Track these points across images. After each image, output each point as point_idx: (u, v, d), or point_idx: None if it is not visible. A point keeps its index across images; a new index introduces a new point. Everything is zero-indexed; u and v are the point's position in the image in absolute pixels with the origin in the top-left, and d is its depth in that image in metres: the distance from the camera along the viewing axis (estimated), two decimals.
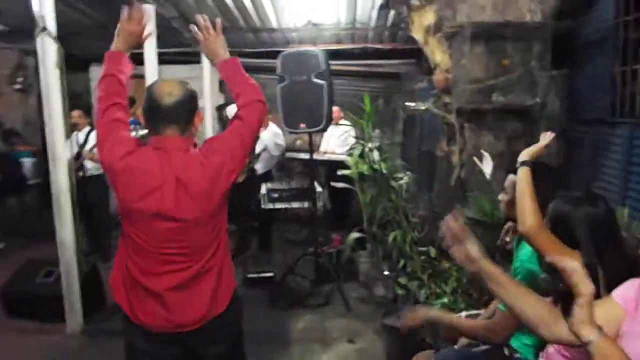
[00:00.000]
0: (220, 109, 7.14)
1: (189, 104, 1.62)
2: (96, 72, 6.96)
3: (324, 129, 3.99)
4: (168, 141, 1.58)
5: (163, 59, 4.69)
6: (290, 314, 3.71)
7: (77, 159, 4.60)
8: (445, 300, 2.86)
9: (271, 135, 5.12)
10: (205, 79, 6.38)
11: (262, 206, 4.37)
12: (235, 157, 1.65)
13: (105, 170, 1.64)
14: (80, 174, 4.63)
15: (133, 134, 1.81)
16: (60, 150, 3.33)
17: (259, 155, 5.10)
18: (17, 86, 6.29)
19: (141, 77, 4.35)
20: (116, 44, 1.75)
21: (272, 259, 4.74)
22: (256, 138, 1.88)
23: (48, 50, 3.22)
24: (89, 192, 4.51)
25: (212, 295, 1.67)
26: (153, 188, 1.54)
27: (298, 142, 7.40)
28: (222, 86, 7.56)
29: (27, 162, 6.24)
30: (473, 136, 3.55)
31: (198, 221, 1.59)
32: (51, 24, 3.19)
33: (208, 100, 6.35)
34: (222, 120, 7.16)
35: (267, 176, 5.20)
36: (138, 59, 4.49)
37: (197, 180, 1.57)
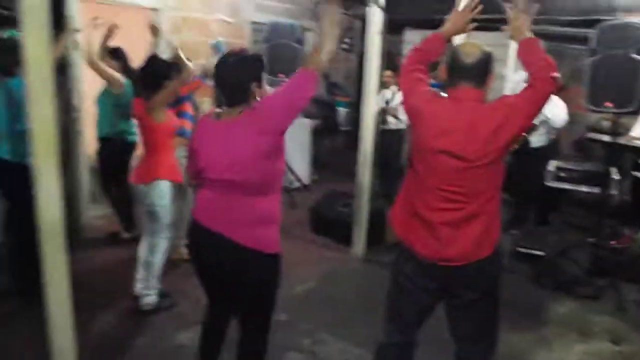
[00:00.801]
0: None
1: (485, 65, 1.84)
2: (410, 36, 7.57)
3: (636, 112, 3.58)
4: (463, 93, 1.83)
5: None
6: (553, 296, 3.62)
7: (382, 113, 5.25)
8: None
9: (551, 106, 4.73)
10: (510, 47, 6.29)
11: (546, 183, 4.25)
12: (518, 117, 1.77)
13: (410, 114, 1.97)
14: (382, 126, 5.27)
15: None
16: (371, 103, 3.93)
17: (535, 127, 4.83)
18: (344, 46, 7.36)
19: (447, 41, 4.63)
20: (443, 28, 2.05)
21: (546, 239, 4.58)
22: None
23: (374, 19, 3.79)
24: (386, 143, 5.13)
25: (479, 239, 1.85)
26: (446, 129, 1.81)
27: (604, 123, 6.67)
28: None
29: (342, 111, 7.36)
30: None
31: (479, 163, 1.78)
32: None
33: (511, 68, 6.27)
34: None
35: (547, 151, 4.88)
36: None
37: (484, 126, 1.77)
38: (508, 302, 3.34)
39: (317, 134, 7.17)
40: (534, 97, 1.81)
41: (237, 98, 1.90)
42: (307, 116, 6.79)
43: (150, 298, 3.07)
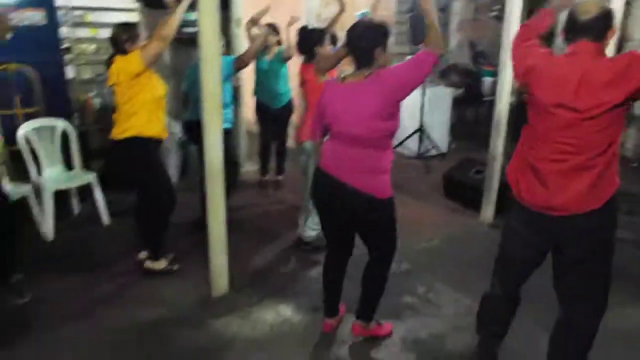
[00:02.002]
0: None
1: (603, 21, 1.87)
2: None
3: None
4: (580, 47, 1.89)
5: None
6: None
7: None
8: None
9: None
10: None
11: None
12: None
13: (525, 75, 2.03)
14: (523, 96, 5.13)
15: None
16: (508, 72, 3.91)
17: None
18: (493, 14, 7.14)
19: None
20: (551, 4, 2.16)
21: None
22: None
23: None
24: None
25: (589, 190, 1.88)
26: (559, 82, 1.88)
27: None
28: None
29: (487, 81, 7.19)
30: None
31: (591, 114, 1.82)
32: None
33: None
34: None
35: None
36: None
37: (599, 77, 1.80)
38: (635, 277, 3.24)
39: (461, 103, 7.14)
40: None
41: (364, 61, 2.18)
42: (450, 85, 6.81)
43: (312, 232, 3.54)
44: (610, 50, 4.14)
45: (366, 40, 2.17)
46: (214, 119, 2.59)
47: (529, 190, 2.03)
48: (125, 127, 2.97)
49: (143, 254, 3.27)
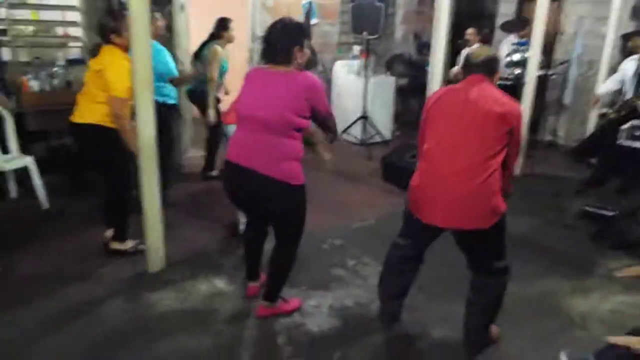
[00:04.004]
0: (627, 37, 6.53)
1: (490, 64, 2.31)
2: None
3: None
4: (472, 79, 2.29)
5: None
6: (606, 253, 3.65)
7: None
8: None
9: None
10: (614, 4, 5.99)
11: (619, 142, 4.17)
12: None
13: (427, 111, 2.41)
14: None
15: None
16: (440, 60, 4.13)
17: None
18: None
19: None
20: None
21: (617, 200, 4.49)
22: None
23: None
24: None
25: (483, 210, 2.19)
26: (454, 106, 2.27)
27: None
28: (636, 13, 6.81)
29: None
30: None
31: (476, 134, 2.19)
32: None
33: (612, 27, 5.99)
34: (625, 50, 6.56)
35: None
36: None
37: (483, 104, 2.19)
38: (557, 252, 3.49)
39: (406, 92, 7.38)
40: None
41: (281, 59, 2.28)
42: (395, 74, 7.02)
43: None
44: None
45: (284, 38, 2.28)
46: (145, 96, 2.66)
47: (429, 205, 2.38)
48: (89, 112, 2.97)
49: (109, 232, 3.27)
